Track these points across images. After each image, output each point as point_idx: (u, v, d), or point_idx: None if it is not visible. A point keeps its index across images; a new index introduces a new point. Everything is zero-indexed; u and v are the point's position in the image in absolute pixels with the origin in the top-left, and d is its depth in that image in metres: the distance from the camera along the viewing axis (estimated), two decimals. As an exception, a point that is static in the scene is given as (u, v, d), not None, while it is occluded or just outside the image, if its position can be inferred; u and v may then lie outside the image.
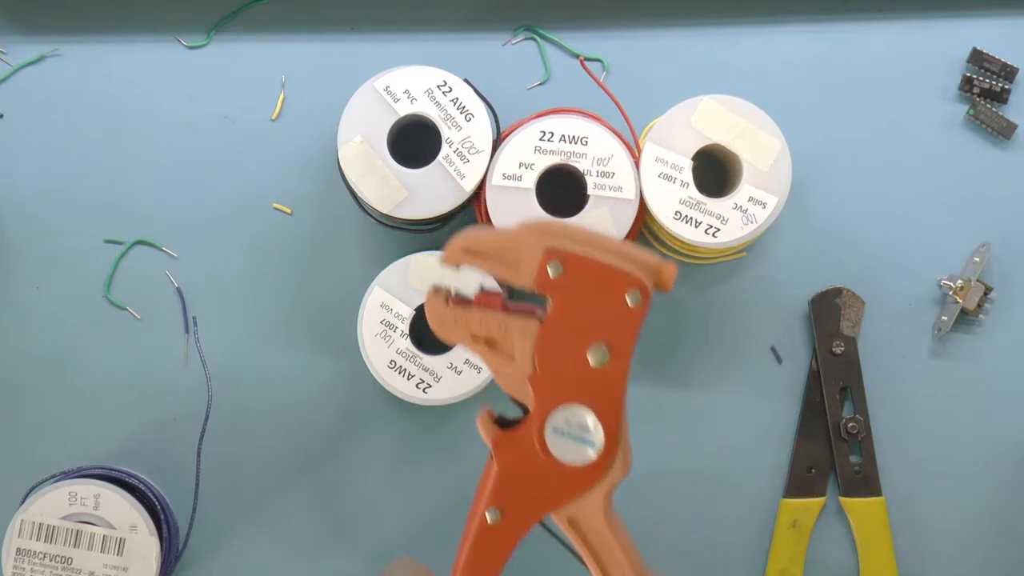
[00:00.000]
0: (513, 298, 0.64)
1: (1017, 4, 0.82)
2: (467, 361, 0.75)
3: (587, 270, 0.61)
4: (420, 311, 0.76)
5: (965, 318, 0.81)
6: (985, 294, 0.80)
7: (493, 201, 0.75)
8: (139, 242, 0.81)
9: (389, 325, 0.75)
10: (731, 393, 0.81)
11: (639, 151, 0.76)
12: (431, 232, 0.80)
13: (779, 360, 0.82)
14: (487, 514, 0.64)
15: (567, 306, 0.61)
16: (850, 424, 0.81)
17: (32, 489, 0.77)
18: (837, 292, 0.81)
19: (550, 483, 0.64)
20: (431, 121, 0.76)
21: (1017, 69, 0.81)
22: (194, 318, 0.81)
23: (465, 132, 0.75)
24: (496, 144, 0.76)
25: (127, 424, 0.81)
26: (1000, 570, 0.81)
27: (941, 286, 0.81)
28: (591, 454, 0.63)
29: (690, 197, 0.75)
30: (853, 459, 0.81)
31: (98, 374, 0.81)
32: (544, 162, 0.75)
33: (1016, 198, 0.82)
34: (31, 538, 0.74)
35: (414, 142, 0.77)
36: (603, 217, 0.75)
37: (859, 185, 0.82)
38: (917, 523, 0.81)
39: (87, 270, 0.81)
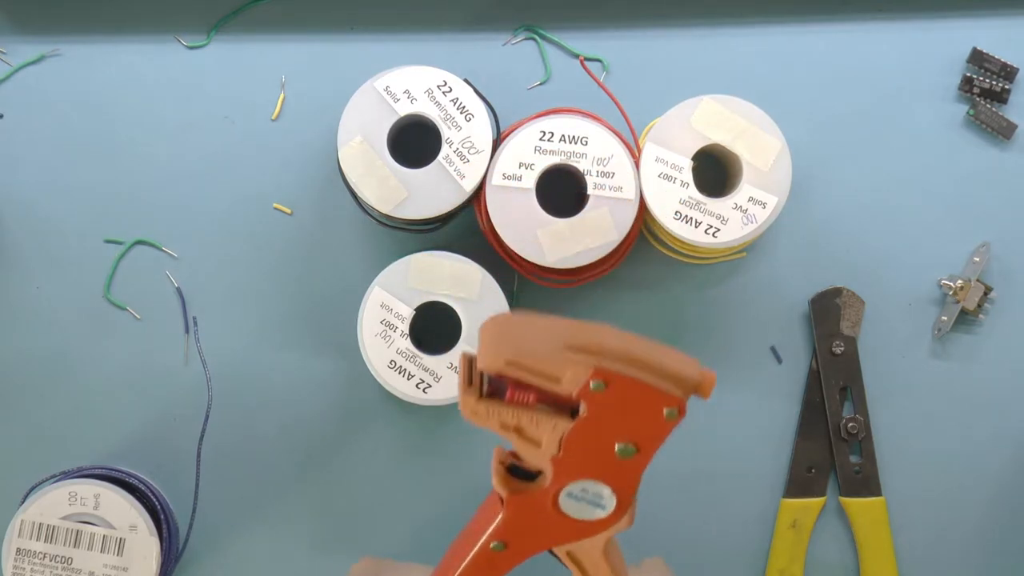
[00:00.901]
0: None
1: (1017, 4, 0.82)
2: (467, 361, 0.75)
3: (629, 389, 0.61)
4: (420, 311, 0.76)
5: (965, 318, 0.81)
6: (985, 294, 0.80)
7: (493, 201, 0.75)
8: (139, 242, 0.81)
9: (389, 325, 0.75)
10: (731, 393, 0.81)
11: (639, 151, 0.76)
12: (431, 232, 0.80)
13: (779, 360, 0.82)
14: (491, 545, 0.65)
15: (602, 412, 0.62)
16: (850, 424, 0.81)
17: (32, 489, 0.77)
18: (837, 292, 0.81)
19: (557, 529, 0.65)
20: (431, 121, 0.76)
21: (1017, 69, 0.81)
22: (194, 318, 0.81)
23: (465, 132, 0.75)
24: (496, 144, 0.76)
25: (127, 424, 0.81)
26: (1000, 570, 0.81)
27: (941, 286, 0.81)
28: (601, 514, 0.64)
29: (690, 197, 0.75)
30: (853, 459, 0.81)
31: (98, 374, 0.81)
32: (544, 162, 0.75)
33: (1016, 198, 0.82)
34: (31, 538, 0.74)
35: (414, 142, 0.77)
36: (603, 217, 0.75)
37: (859, 185, 0.82)
38: (917, 523, 0.81)
39: (87, 270, 0.81)
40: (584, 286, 0.81)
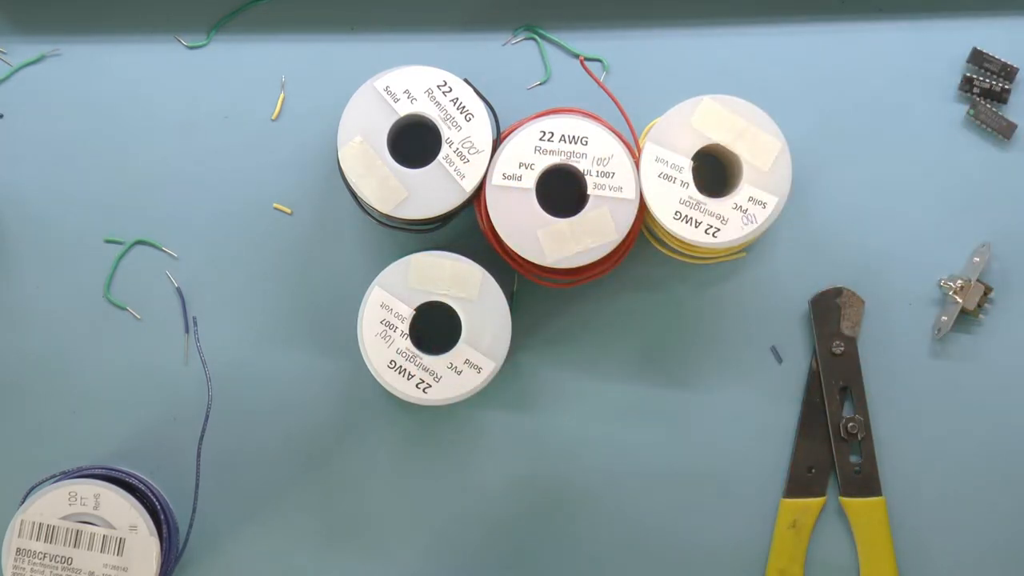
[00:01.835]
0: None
1: (1017, 4, 0.82)
2: (467, 361, 0.75)
3: None
4: (420, 311, 0.76)
5: (965, 318, 0.81)
6: (985, 294, 0.80)
7: (493, 201, 0.75)
8: (139, 242, 0.81)
9: (389, 325, 0.75)
10: (731, 393, 0.81)
11: (639, 151, 0.76)
12: (431, 232, 0.80)
13: (779, 360, 0.82)
14: None
15: None
16: (850, 424, 0.81)
17: (32, 489, 0.77)
18: (837, 292, 0.81)
19: None
20: (431, 121, 0.76)
21: (1017, 69, 0.81)
22: (194, 318, 0.81)
23: (465, 132, 0.75)
24: (496, 144, 0.76)
25: (127, 424, 0.81)
26: (1000, 570, 0.81)
27: (941, 286, 0.81)
28: None
29: (690, 197, 0.75)
30: (853, 459, 0.81)
31: (98, 374, 0.81)
32: (544, 162, 0.75)
33: (1016, 198, 0.82)
34: (31, 538, 0.74)
35: (414, 142, 0.77)
36: (603, 217, 0.75)
37: (859, 185, 0.82)
38: (917, 523, 0.81)
39: (87, 270, 0.81)
40: (584, 286, 0.81)
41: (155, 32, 0.82)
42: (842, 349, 0.81)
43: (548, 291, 0.81)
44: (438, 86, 0.76)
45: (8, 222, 0.81)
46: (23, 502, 0.75)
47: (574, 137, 0.75)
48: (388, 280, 0.76)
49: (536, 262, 0.75)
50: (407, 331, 0.75)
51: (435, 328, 0.77)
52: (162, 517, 0.76)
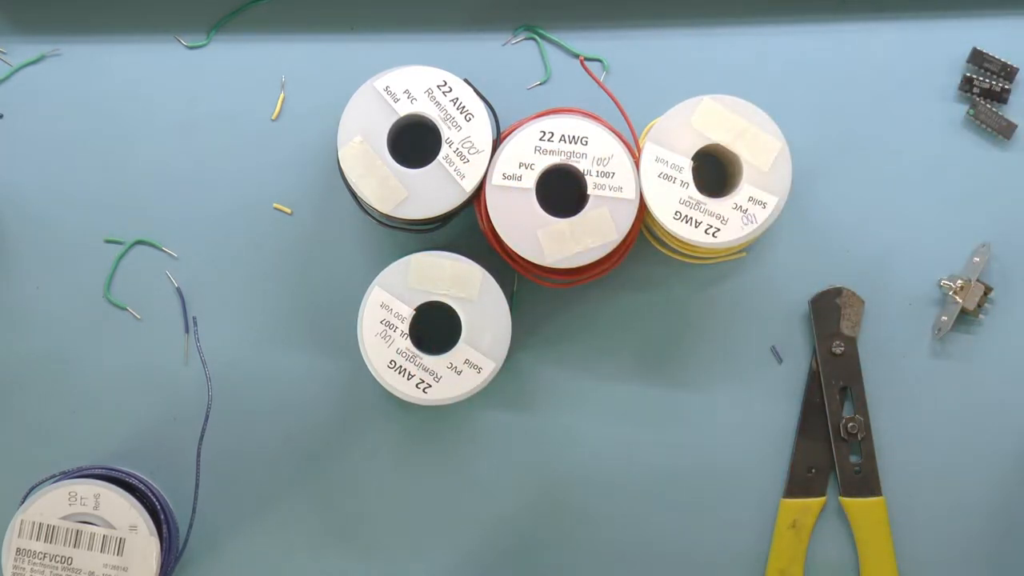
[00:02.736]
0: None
1: (1017, 4, 0.82)
2: (467, 361, 0.75)
3: None
4: (420, 311, 0.76)
5: (965, 318, 0.81)
6: (985, 294, 0.80)
7: (493, 201, 0.75)
8: (139, 242, 0.81)
9: (389, 325, 0.75)
10: (731, 393, 0.81)
11: (639, 151, 0.76)
12: (431, 232, 0.80)
13: (779, 360, 0.82)
14: None
15: None
16: (850, 424, 0.81)
17: (32, 489, 0.77)
18: (837, 292, 0.81)
19: None
20: (431, 121, 0.76)
21: (1017, 69, 0.81)
22: (194, 318, 0.81)
23: (465, 132, 0.75)
24: (496, 144, 0.76)
25: (127, 424, 0.81)
26: (1000, 570, 0.81)
27: (941, 286, 0.81)
28: None
29: (690, 197, 0.75)
30: (853, 459, 0.81)
31: (98, 374, 0.81)
32: (544, 162, 0.75)
33: (1016, 198, 0.82)
34: (31, 538, 0.74)
35: (414, 142, 0.77)
36: (603, 217, 0.75)
37: (859, 185, 0.82)
38: (917, 523, 0.81)
39: (87, 270, 0.81)
40: (584, 286, 0.81)
41: (155, 32, 0.82)
42: (842, 349, 0.81)
43: (548, 291, 0.81)
44: (438, 86, 0.76)
45: (8, 222, 0.81)
46: (23, 502, 0.75)
47: (574, 137, 0.75)
48: (388, 280, 0.76)
49: (536, 262, 0.75)
50: (407, 331, 0.75)
51: (435, 328, 0.77)
52: (162, 517, 0.76)
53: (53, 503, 0.74)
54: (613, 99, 0.79)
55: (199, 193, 0.81)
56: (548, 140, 0.75)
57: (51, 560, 0.74)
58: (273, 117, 0.82)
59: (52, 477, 0.77)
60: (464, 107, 0.76)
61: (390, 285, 0.76)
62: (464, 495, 0.81)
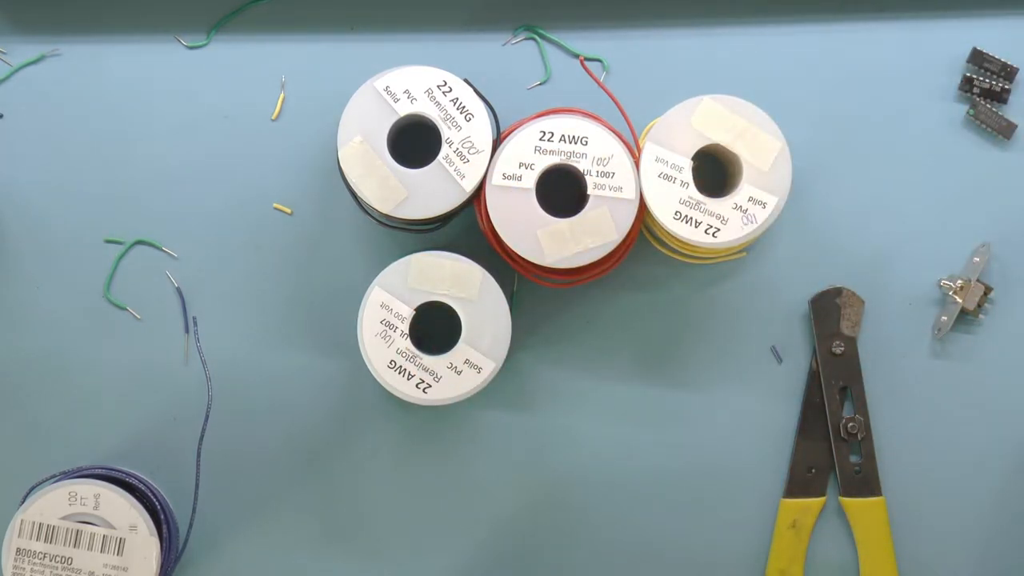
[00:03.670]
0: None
1: (1017, 4, 0.82)
2: (467, 361, 0.75)
3: None
4: (420, 311, 0.76)
5: (965, 318, 0.81)
6: (985, 294, 0.80)
7: (493, 201, 0.75)
8: (139, 242, 0.81)
9: (389, 325, 0.75)
10: (731, 393, 0.81)
11: (639, 151, 0.76)
12: (431, 232, 0.80)
13: (779, 360, 0.82)
14: None
15: None
16: (850, 424, 0.81)
17: (32, 489, 0.77)
18: (837, 292, 0.81)
19: None
20: (431, 121, 0.76)
21: (1017, 69, 0.81)
22: (194, 318, 0.81)
23: (465, 132, 0.75)
24: (496, 144, 0.76)
25: (127, 424, 0.81)
26: (1000, 570, 0.81)
27: (941, 286, 0.81)
28: None
29: (690, 197, 0.75)
30: (853, 459, 0.81)
31: (98, 374, 0.81)
32: (544, 162, 0.75)
33: (1016, 198, 0.82)
34: (31, 538, 0.74)
35: (414, 142, 0.77)
36: (603, 217, 0.75)
37: (859, 185, 0.82)
38: (917, 523, 0.81)
39: (87, 270, 0.81)
40: (584, 286, 0.81)
41: (155, 32, 0.82)
42: (842, 349, 0.81)
43: (548, 291, 0.81)
44: (438, 86, 0.76)
45: (8, 222, 0.81)
46: (23, 502, 0.75)
47: (574, 137, 0.75)
48: (388, 280, 0.76)
49: (536, 262, 0.75)
50: (407, 331, 0.75)
51: (435, 328, 0.77)
52: (162, 517, 0.76)
53: (53, 503, 0.74)
54: (613, 99, 0.79)
55: (199, 193, 0.81)
56: (548, 140, 0.75)
57: (51, 560, 0.74)
58: (273, 117, 0.82)
59: (52, 477, 0.77)
60: (464, 107, 0.76)
61: (390, 285, 0.76)
62: (464, 495, 0.81)
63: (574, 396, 0.81)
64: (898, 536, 0.81)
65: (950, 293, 0.80)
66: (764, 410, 0.81)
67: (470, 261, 0.76)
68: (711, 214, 0.75)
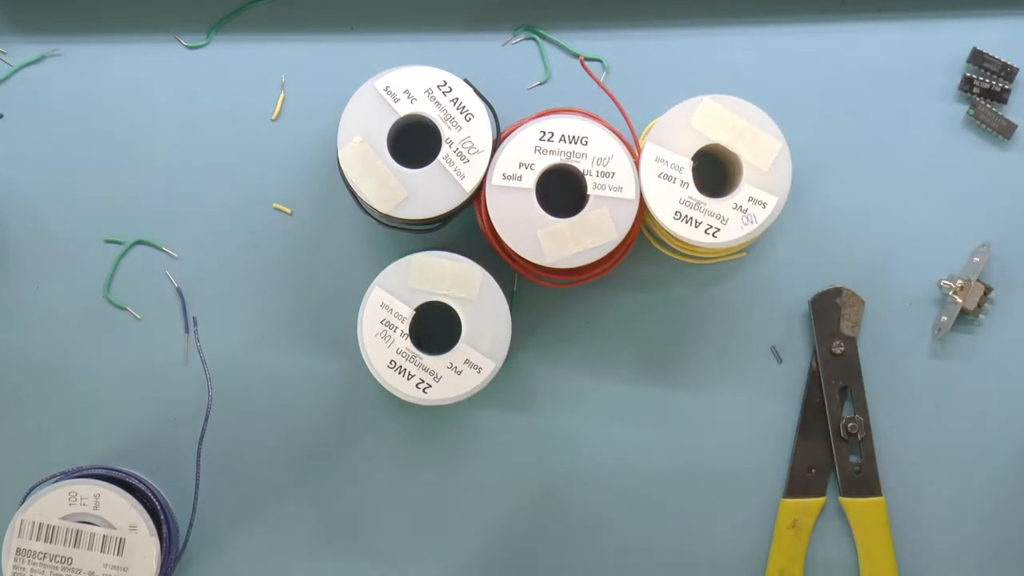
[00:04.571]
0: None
1: (1017, 4, 0.82)
2: (467, 361, 0.75)
3: None
4: (420, 311, 0.76)
5: (965, 318, 0.81)
6: (985, 294, 0.80)
7: (493, 201, 0.75)
8: (139, 242, 0.81)
9: (389, 325, 0.75)
10: (731, 393, 0.81)
11: (639, 151, 0.76)
12: (431, 232, 0.80)
13: (779, 360, 0.82)
14: None
15: None
16: (850, 424, 0.81)
17: (32, 489, 0.77)
18: (837, 292, 0.81)
19: None
20: (431, 121, 0.76)
21: (1017, 69, 0.81)
22: (194, 318, 0.81)
23: (465, 132, 0.75)
24: (496, 144, 0.76)
25: (127, 424, 0.81)
26: (1000, 570, 0.81)
27: (941, 286, 0.81)
28: None
29: (690, 197, 0.75)
30: (853, 459, 0.81)
31: (98, 374, 0.81)
32: (544, 162, 0.75)
33: (1016, 198, 0.82)
34: (31, 538, 0.74)
35: (414, 142, 0.77)
36: (603, 217, 0.75)
37: (859, 185, 0.82)
38: (917, 523, 0.81)
39: (87, 270, 0.81)
40: (584, 286, 0.81)
41: (155, 32, 0.82)
42: (842, 349, 0.81)
43: (548, 291, 0.81)
44: (438, 86, 0.76)
45: (8, 222, 0.81)
46: (23, 502, 0.75)
47: (574, 137, 0.75)
48: (388, 280, 0.76)
49: (536, 262, 0.75)
50: (407, 331, 0.75)
51: (435, 328, 0.77)
52: (162, 517, 0.76)
53: (53, 503, 0.74)
54: (613, 99, 0.79)
55: (199, 193, 0.81)
56: (548, 140, 0.75)
57: (51, 560, 0.74)
58: (273, 117, 0.82)
59: (52, 477, 0.77)
60: (464, 107, 0.76)
61: (390, 285, 0.76)
62: (464, 495, 0.81)
63: (574, 396, 0.81)
64: (898, 536, 0.81)
65: (950, 293, 0.80)
66: (764, 410, 0.81)
67: (470, 261, 0.76)
68: (711, 214, 0.75)
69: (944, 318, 0.81)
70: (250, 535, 0.81)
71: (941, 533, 0.81)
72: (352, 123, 0.75)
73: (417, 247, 0.78)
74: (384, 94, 0.75)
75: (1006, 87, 0.81)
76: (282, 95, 0.82)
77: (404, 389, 0.76)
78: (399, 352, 0.75)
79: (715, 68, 0.82)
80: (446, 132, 0.75)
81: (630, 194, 0.75)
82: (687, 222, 0.75)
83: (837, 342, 0.81)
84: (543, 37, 0.82)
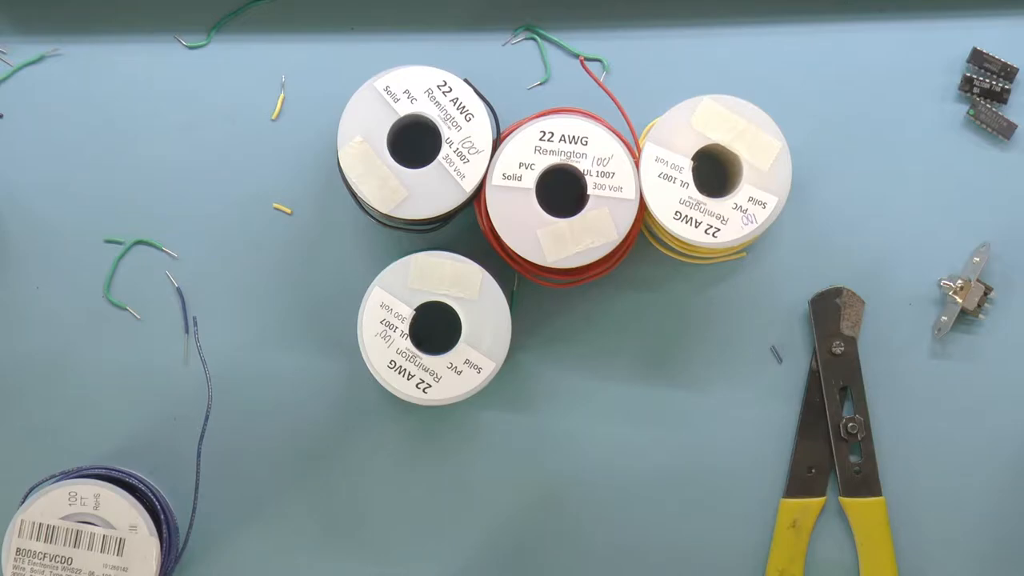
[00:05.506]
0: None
1: (1017, 4, 0.82)
2: (467, 361, 0.75)
3: None
4: (420, 311, 0.76)
5: (965, 318, 0.81)
6: (985, 294, 0.80)
7: (493, 201, 0.75)
8: (139, 242, 0.81)
9: (389, 325, 0.75)
10: (731, 393, 0.81)
11: (639, 151, 0.76)
12: (431, 232, 0.80)
13: (779, 360, 0.82)
14: None
15: None
16: (850, 424, 0.81)
17: (32, 489, 0.77)
18: (837, 292, 0.81)
19: None
20: (431, 121, 0.76)
21: (1017, 69, 0.81)
22: (194, 318, 0.81)
23: (465, 132, 0.75)
24: (496, 144, 0.76)
25: (127, 424, 0.81)
26: (1000, 570, 0.81)
27: (941, 286, 0.81)
28: None
29: (690, 197, 0.75)
30: (853, 459, 0.81)
31: (98, 374, 0.81)
32: (544, 162, 0.75)
33: (1016, 198, 0.82)
34: (31, 538, 0.74)
35: (414, 142, 0.77)
36: (603, 217, 0.75)
37: (859, 185, 0.82)
38: (917, 523, 0.81)
39: (87, 270, 0.81)
40: (584, 286, 0.81)
41: (155, 32, 0.82)
42: (842, 349, 0.81)
43: (548, 291, 0.81)
44: (438, 86, 0.76)
45: (8, 222, 0.81)
46: (23, 502, 0.75)
47: (574, 137, 0.75)
48: (388, 280, 0.76)
49: (536, 262, 0.75)
50: (407, 331, 0.75)
51: (435, 328, 0.77)
52: (162, 517, 0.76)
53: (53, 503, 0.74)
54: (613, 99, 0.79)
55: (199, 193, 0.81)
56: (548, 140, 0.75)
57: (51, 560, 0.74)
58: (273, 117, 0.82)
59: (52, 477, 0.77)
60: (464, 107, 0.76)
61: (390, 285, 0.76)
62: (464, 495, 0.81)
63: (574, 396, 0.81)
64: (898, 536, 0.81)
65: (950, 293, 0.80)
66: (764, 410, 0.81)
67: (470, 261, 0.76)
68: (711, 214, 0.75)
69: (944, 318, 0.81)
70: (250, 535, 0.81)
71: (941, 533, 0.81)
72: (352, 123, 0.75)
73: (417, 247, 0.78)
74: (384, 94, 0.75)
75: (1006, 87, 0.81)
76: (282, 95, 0.82)
77: (404, 389, 0.76)
78: (399, 352, 0.75)
79: (715, 68, 0.82)
80: (446, 132, 0.75)
81: (630, 194, 0.75)
82: (687, 222, 0.75)
83: (837, 342, 0.81)
84: (543, 37, 0.82)
